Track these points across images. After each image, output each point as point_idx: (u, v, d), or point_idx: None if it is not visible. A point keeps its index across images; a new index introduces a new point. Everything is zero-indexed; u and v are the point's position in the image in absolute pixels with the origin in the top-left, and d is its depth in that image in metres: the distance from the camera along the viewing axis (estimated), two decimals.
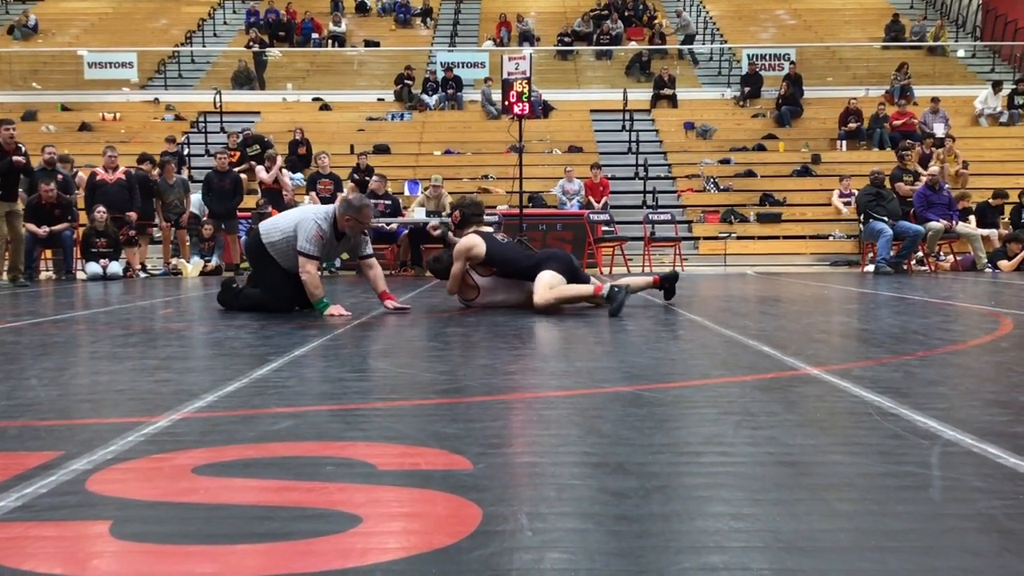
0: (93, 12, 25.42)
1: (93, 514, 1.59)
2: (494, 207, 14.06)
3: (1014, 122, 18.98)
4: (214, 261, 12.73)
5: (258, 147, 15.78)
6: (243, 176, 13.96)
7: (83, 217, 12.04)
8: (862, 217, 12.15)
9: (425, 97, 20.36)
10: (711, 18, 25.22)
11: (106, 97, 20.56)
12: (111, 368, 3.51)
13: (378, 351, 4.02)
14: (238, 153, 15.59)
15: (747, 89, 20.39)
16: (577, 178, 15.28)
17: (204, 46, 23.76)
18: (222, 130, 18.09)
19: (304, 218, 5.62)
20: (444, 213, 12.40)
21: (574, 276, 5.70)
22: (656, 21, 24.20)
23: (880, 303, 6.84)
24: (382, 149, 17.68)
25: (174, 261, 12.80)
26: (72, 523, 1.55)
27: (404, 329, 4.89)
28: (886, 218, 11.65)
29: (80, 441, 2.13)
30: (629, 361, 3.50)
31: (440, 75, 20.61)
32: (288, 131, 17.32)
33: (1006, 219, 13.85)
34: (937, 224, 11.98)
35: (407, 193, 15.09)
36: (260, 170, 13.57)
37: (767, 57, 20.96)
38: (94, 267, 11.25)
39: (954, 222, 12.24)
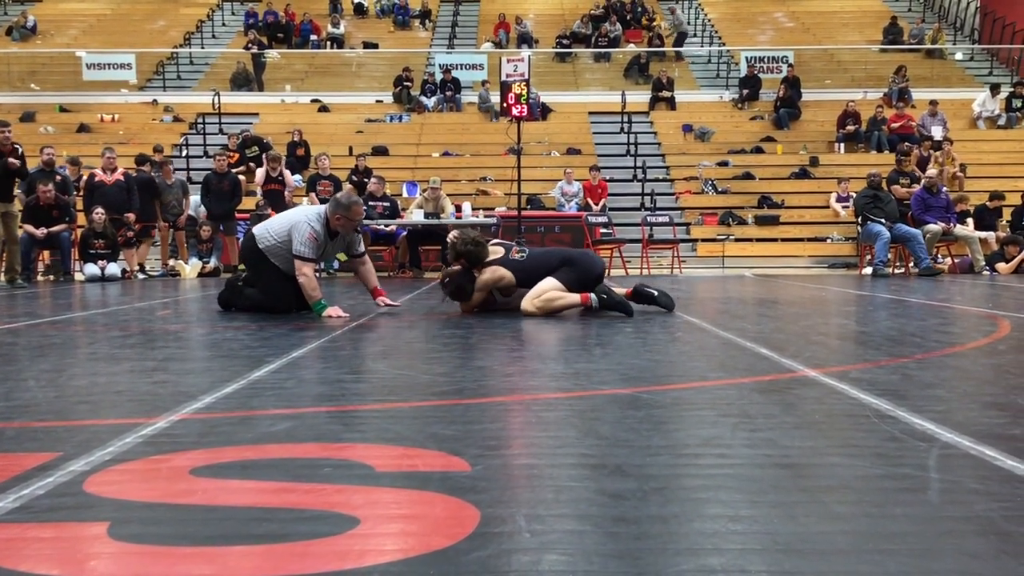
0: (92, 13, 25.41)
1: (91, 515, 1.58)
2: (492, 209, 14.06)
3: (1012, 125, 19.01)
4: (212, 262, 12.73)
5: (257, 149, 15.78)
6: (242, 178, 13.96)
7: (81, 218, 12.03)
8: (860, 220, 12.16)
9: (423, 99, 20.36)
10: (709, 20, 25.24)
11: (104, 98, 20.55)
12: (109, 369, 3.50)
13: (376, 353, 4.02)
14: (237, 155, 15.59)
15: (745, 91, 20.41)
16: (576, 180, 15.29)
17: (203, 47, 23.77)
18: (221, 131, 18.09)
19: (297, 221, 5.62)
20: (442, 215, 12.41)
21: (584, 286, 5.62)
22: (655, 24, 24.22)
23: (878, 305, 6.84)
24: (380, 151, 17.69)
25: (171, 262, 12.80)
26: (70, 524, 1.55)
27: (402, 331, 4.89)
28: (883, 220, 11.66)
29: (78, 442, 2.13)
30: (627, 363, 3.50)
31: (439, 77, 20.62)
32: (287, 133, 17.32)
33: (1004, 222, 13.86)
34: (935, 227, 11.99)
35: (405, 195, 15.09)
36: (259, 172, 13.55)
37: (765, 60, 20.98)
38: (92, 268, 11.24)
39: (952, 225, 12.26)
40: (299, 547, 1.41)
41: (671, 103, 20.26)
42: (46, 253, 11.96)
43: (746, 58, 20.86)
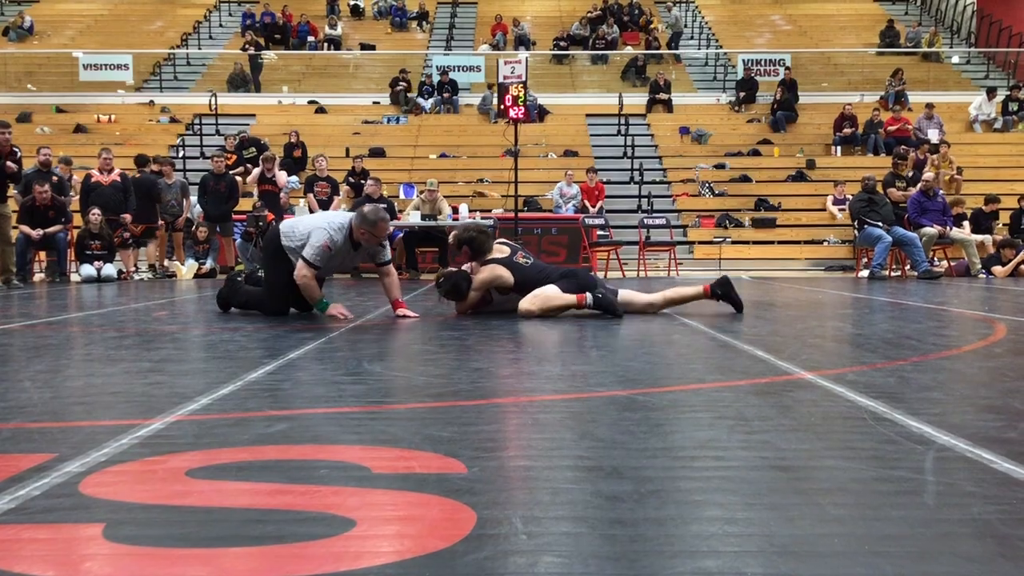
0: (89, 14, 25.39)
1: (86, 517, 1.58)
2: (489, 211, 14.06)
3: (1008, 128, 19.05)
4: (208, 263, 12.71)
5: (254, 150, 15.78)
6: (238, 179, 13.95)
7: (77, 219, 12.01)
8: (856, 223, 12.17)
9: (421, 100, 20.37)
10: (707, 23, 25.27)
11: (101, 99, 20.53)
12: (105, 370, 3.50)
13: (372, 354, 4.01)
14: (234, 156, 15.58)
15: (742, 94, 20.43)
16: (574, 182, 15.29)
17: (200, 48, 23.75)
18: (217, 132, 18.08)
19: (318, 227, 5.53)
20: (439, 217, 12.40)
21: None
22: (652, 26, 24.25)
23: (874, 308, 6.85)
24: (377, 152, 17.69)
25: (166, 263, 12.77)
26: (65, 526, 1.54)
27: (399, 333, 4.88)
28: (880, 224, 11.67)
29: (73, 443, 2.13)
30: (623, 365, 3.50)
31: (436, 79, 20.62)
32: (283, 134, 17.32)
33: (1001, 225, 13.89)
34: (931, 230, 12.01)
35: (402, 196, 15.09)
36: (254, 172, 13.54)
37: (762, 62, 21.01)
38: (88, 269, 11.22)
39: (948, 228, 12.28)
40: (295, 549, 1.41)
41: (668, 105, 20.28)
42: (42, 254, 11.94)
43: (743, 61, 20.89)
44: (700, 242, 15.29)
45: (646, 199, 16.30)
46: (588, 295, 5.43)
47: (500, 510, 1.60)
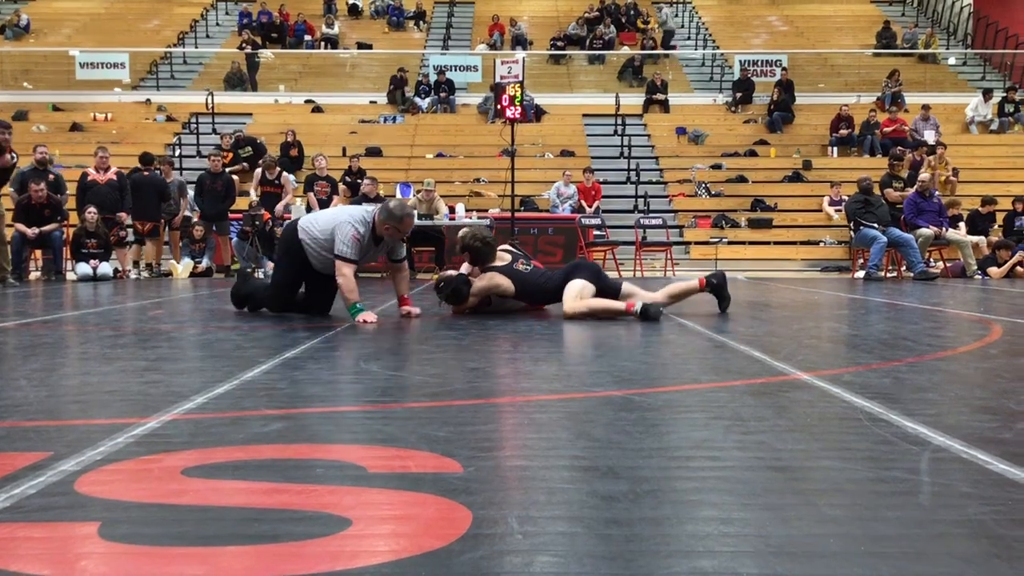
0: (85, 12, 25.34)
1: (82, 515, 1.58)
2: (486, 211, 14.07)
3: (1004, 130, 19.10)
4: (204, 263, 12.70)
5: (250, 149, 15.76)
6: (235, 178, 13.93)
7: (74, 217, 12.00)
8: (852, 224, 12.19)
9: (418, 100, 20.36)
10: (703, 24, 25.29)
11: (98, 97, 20.49)
12: (100, 369, 3.49)
13: (369, 354, 4.01)
14: (231, 155, 15.56)
15: (739, 95, 20.45)
16: (571, 182, 15.30)
17: (196, 47, 23.71)
18: (214, 131, 18.06)
19: (340, 221, 5.41)
20: (436, 217, 12.40)
21: (601, 283, 5.62)
22: (649, 26, 24.26)
23: (870, 309, 6.86)
24: (374, 152, 17.68)
25: (161, 262, 12.76)
26: (60, 524, 1.54)
27: (395, 332, 4.88)
28: (876, 225, 11.69)
29: (69, 442, 2.12)
30: (619, 365, 3.50)
31: (433, 78, 20.62)
32: (280, 133, 17.30)
33: (997, 226, 13.91)
34: (927, 231, 12.03)
35: (399, 196, 15.07)
36: (257, 173, 13.48)
37: (759, 63, 21.02)
38: (84, 268, 11.20)
39: (944, 229, 12.30)
40: (291, 548, 1.41)
41: (665, 106, 20.29)
42: (38, 252, 11.92)
43: (740, 61, 20.90)
44: (696, 242, 15.30)
45: (642, 199, 16.31)
46: (637, 304, 5.34)
47: (496, 510, 1.60)
